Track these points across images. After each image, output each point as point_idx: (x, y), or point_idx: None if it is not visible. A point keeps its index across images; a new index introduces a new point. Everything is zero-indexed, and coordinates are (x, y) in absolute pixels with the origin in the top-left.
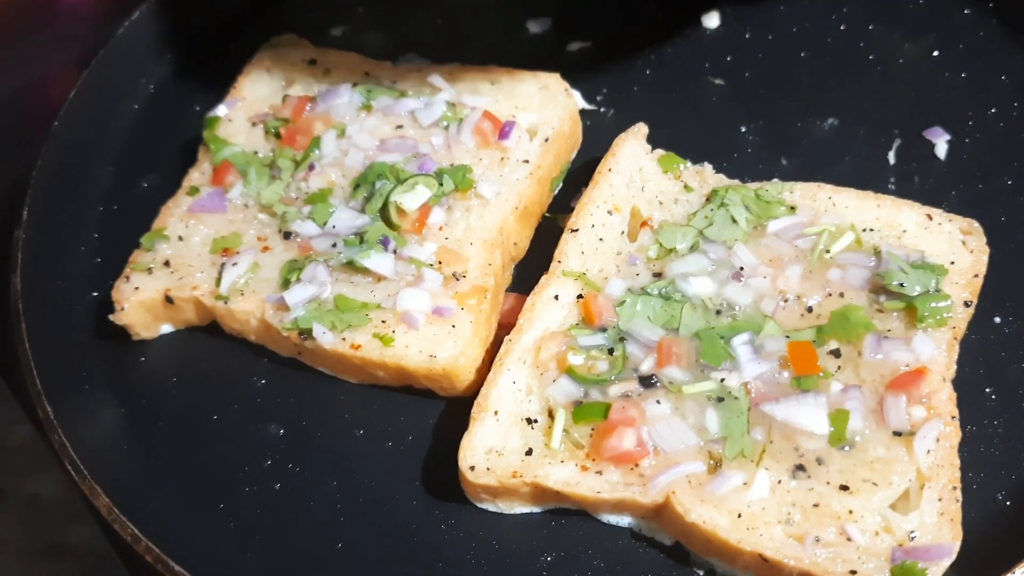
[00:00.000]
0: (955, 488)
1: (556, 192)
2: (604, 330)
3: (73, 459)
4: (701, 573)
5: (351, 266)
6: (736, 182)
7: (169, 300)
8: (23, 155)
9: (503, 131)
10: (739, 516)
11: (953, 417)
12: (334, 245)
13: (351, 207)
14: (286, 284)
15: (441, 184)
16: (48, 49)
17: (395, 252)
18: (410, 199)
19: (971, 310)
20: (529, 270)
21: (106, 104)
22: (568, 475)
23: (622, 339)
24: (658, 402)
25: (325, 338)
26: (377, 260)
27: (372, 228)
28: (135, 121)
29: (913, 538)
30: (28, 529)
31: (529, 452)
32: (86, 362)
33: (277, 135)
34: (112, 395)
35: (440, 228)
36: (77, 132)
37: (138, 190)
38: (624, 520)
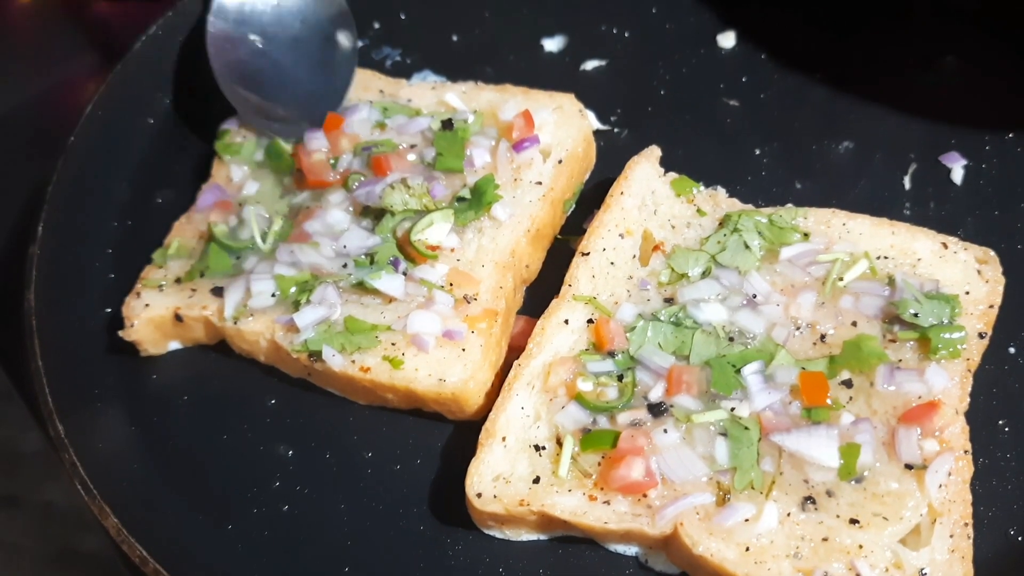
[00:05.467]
0: (967, 524)
1: (569, 213)
2: (614, 355)
3: (83, 479)
4: None
5: (361, 287)
6: (749, 207)
7: (179, 318)
8: (42, 163)
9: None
10: (747, 549)
11: (966, 451)
12: (344, 266)
13: (362, 227)
14: (296, 305)
15: (469, 204)
16: (69, 56)
17: (405, 273)
18: (433, 233)
19: (985, 341)
20: (541, 292)
21: (122, 119)
22: (576, 504)
23: (632, 366)
24: (666, 431)
25: (334, 360)
26: (387, 281)
27: (382, 249)
28: (151, 136)
29: (924, 575)
30: (41, 535)
31: (536, 480)
32: (98, 380)
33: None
34: (123, 413)
35: (452, 250)
36: (93, 147)
37: (153, 205)
38: (631, 550)
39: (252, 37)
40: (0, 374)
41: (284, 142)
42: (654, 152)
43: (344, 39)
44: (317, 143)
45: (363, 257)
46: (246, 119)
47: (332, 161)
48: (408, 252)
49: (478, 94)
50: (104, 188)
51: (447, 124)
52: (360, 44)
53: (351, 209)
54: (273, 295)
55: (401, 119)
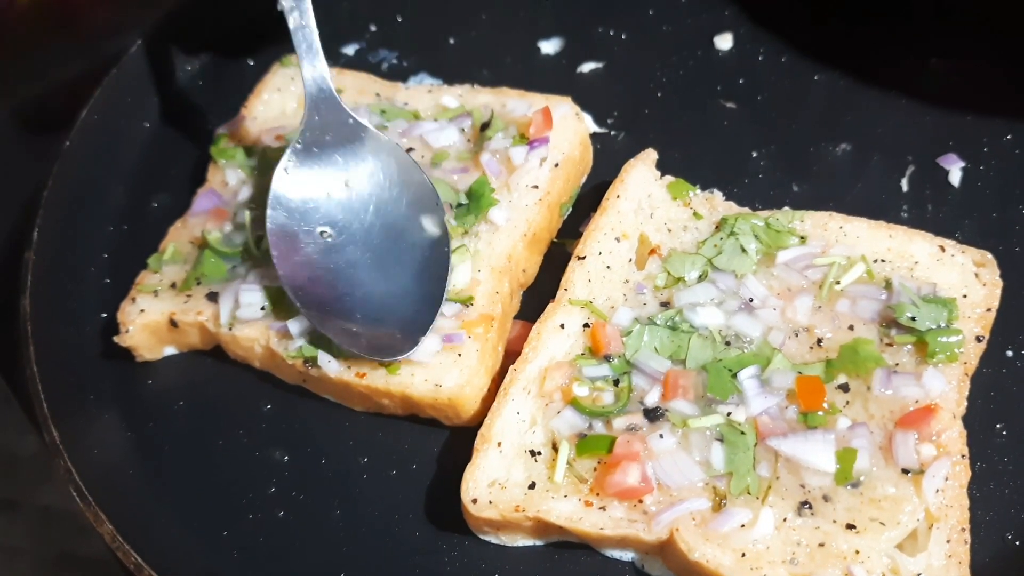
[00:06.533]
0: (964, 529)
1: (565, 217)
2: (610, 360)
3: (78, 485)
4: None
5: None
6: (746, 210)
7: (174, 324)
8: (37, 167)
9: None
10: (743, 555)
11: (963, 455)
12: None
13: None
14: (289, 312)
15: (467, 208)
16: (65, 60)
17: None
18: (458, 278)
19: (983, 345)
20: (537, 296)
21: (118, 123)
22: (571, 510)
23: (628, 370)
24: (662, 436)
25: (330, 366)
26: None
27: None
28: (147, 140)
29: None
30: (39, 540)
31: (532, 486)
32: (93, 385)
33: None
34: (118, 419)
35: None
36: (89, 151)
37: (149, 210)
38: (627, 555)
39: (319, 231)
40: None
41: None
42: (650, 155)
43: (430, 226)
44: None
45: None
46: (323, 329)
47: None
48: None
49: (474, 97)
50: (100, 193)
51: (485, 126)
52: (357, 47)
53: None
54: (262, 308)
55: (402, 124)
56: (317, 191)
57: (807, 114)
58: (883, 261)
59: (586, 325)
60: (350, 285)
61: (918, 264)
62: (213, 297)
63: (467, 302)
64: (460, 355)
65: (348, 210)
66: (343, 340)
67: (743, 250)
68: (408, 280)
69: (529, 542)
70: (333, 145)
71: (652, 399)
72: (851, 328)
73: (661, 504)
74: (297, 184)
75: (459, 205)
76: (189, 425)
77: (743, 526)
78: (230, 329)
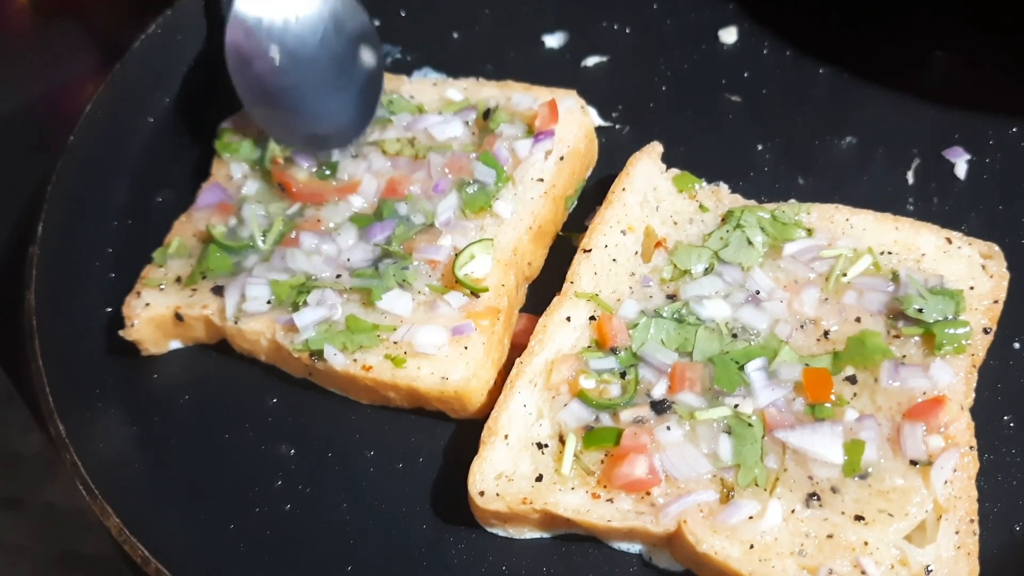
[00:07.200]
0: (972, 521)
1: (571, 210)
2: (616, 353)
3: (84, 478)
4: None
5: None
6: (752, 202)
7: (179, 317)
8: (42, 163)
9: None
10: (751, 547)
11: (971, 447)
12: (338, 277)
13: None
14: (295, 306)
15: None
16: (69, 56)
17: (405, 281)
18: (477, 267)
19: (990, 337)
20: (543, 290)
21: (122, 118)
22: (578, 502)
23: (634, 363)
24: (669, 428)
25: (336, 359)
26: (394, 300)
27: (387, 274)
28: (151, 135)
29: (930, 572)
30: (43, 538)
31: (539, 478)
32: (99, 380)
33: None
34: (124, 413)
35: (455, 248)
36: (93, 146)
37: (153, 205)
38: (635, 547)
39: (270, 54)
40: (0, 375)
41: (276, 143)
42: (656, 148)
43: (368, 56)
44: (303, 160)
45: (367, 268)
46: (275, 136)
47: (326, 168)
48: (454, 287)
49: (479, 90)
50: (104, 188)
51: (487, 114)
52: None
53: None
54: (268, 302)
55: (407, 117)
56: (272, 15)
57: (812, 107)
58: (890, 253)
59: (592, 318)
60: (297, 101)
61: (925, 256)
62: (218, 291)
63: (483, 291)
64: (466, 348)
65: (296, 38)
66: (283, 137)
67: (749, 242)
68: (348, 99)
69: (536, 534)
70: None
71: (659, 391)
72: (858, 320)
73: (669, 496)
74: (255, 4)
75: (470, 184)
76: (195, 419)
77: (751, 518)
78: (236, 323)
